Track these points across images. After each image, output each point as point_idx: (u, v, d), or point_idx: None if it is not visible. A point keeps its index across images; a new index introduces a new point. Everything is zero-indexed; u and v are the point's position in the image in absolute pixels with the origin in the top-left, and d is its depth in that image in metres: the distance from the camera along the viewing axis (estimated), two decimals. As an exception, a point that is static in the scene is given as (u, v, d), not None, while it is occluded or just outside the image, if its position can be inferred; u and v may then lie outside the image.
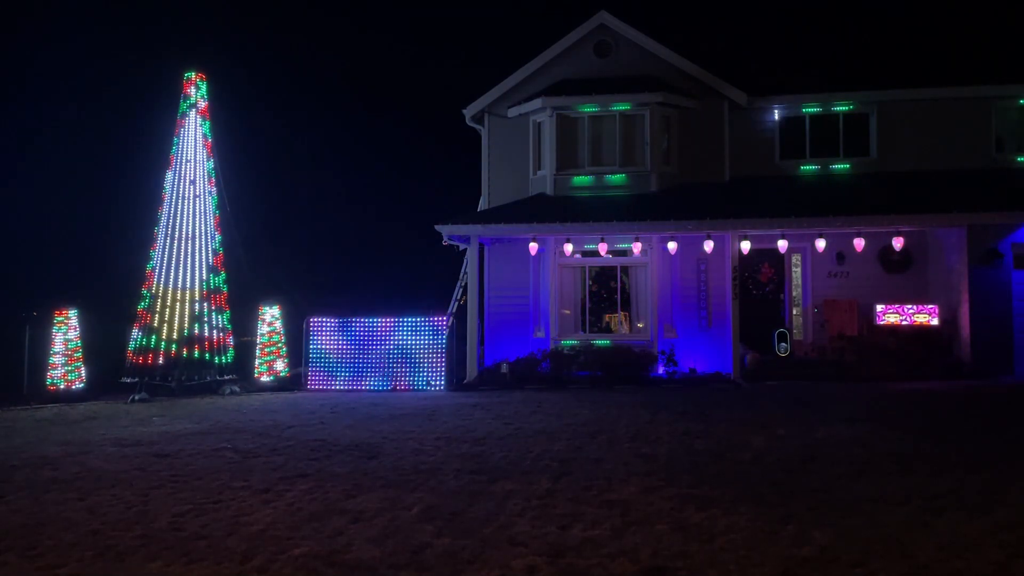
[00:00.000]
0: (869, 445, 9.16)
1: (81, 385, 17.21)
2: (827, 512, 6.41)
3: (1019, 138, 18.62)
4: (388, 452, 9.46)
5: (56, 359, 17.12)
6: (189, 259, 17.50)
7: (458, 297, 20.60)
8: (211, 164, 18.11)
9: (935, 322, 16.95)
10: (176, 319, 17.24)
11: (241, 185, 20.65)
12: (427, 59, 45.75)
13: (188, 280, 17.43)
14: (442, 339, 17.68)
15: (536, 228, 17.59)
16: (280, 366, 18.31)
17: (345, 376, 17.91)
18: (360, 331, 18.06)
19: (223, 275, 18.11)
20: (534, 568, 5.31)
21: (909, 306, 17.19)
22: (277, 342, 18.38)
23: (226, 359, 17.80)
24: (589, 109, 18.83)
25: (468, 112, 19.96)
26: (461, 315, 18.81)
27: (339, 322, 18.19)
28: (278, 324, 18.47)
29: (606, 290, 18.81)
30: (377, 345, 17.92)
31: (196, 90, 18.11)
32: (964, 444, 9.15)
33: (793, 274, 18.88)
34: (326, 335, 18.20)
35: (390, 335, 17.88)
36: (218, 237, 18.04)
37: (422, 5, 50.66)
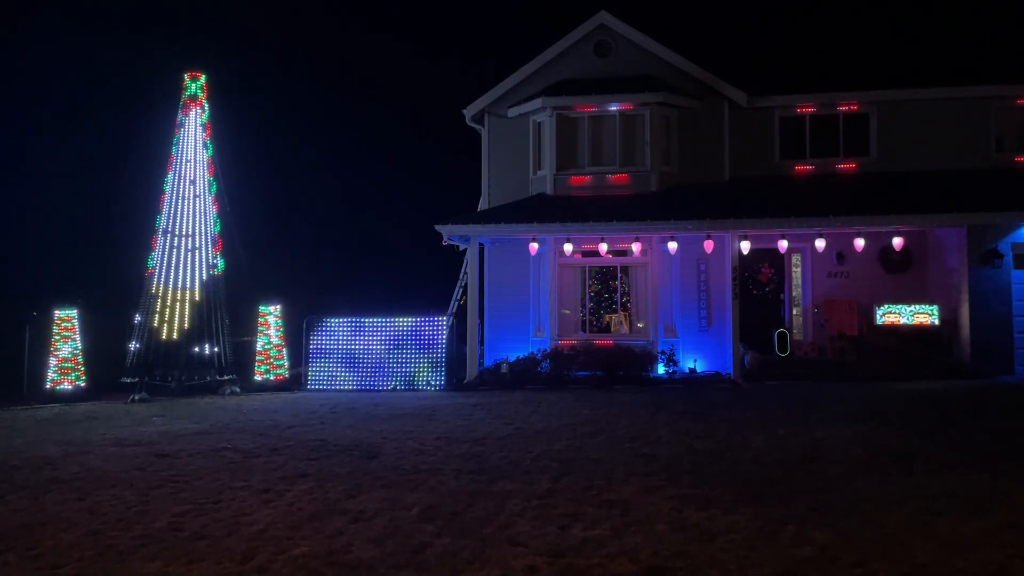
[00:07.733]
0: (869, 445, 9.16)
1: (81, 385, 17.19)
2: (827, 512, 6.40)
3: (1019, 138, 18.61)
4: (388, 452, 9.46)
5: (56, 359, 17.11)
6: (189, 259, 17.51)
7: (458, 297, 20.60)
8: (212, 166, 18.11)
9: (935, 322, 16.95)
10: (176, 319, 17.25)
11: (241, 185, 20.65)
12: (427, 59, 45.68)
13: (188, 280, 17.44)
14: (442, 339, 17.68)
15: (536, 228, 17.58)
16: (280, 366, 18.30)
17: (345, 376, 17.92)
18: (360, 331, 18.07)
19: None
20: (534, 568, 5.31)
21: (909, 306, 17.19)
22: (277, 342, 18.37)
23: (226, 359, 17.80)
24: (589, 109, 18.82)
25: (468, 112, 19.96)
26: (461, 315, 18.82)
27: (339, 322, 18.21)
28: (278, 323, 18.47)
29: (606, 290, 18.81)
30: (377, 345, 17.93)
31: (196, 90, 18.09)
32: (964, 444, 9.15)
33: (793, 274, 18.88)
34: (326, 335, 18.23)
35: (390, 335, 17.90)
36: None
37: (423, 5, 50.66)
